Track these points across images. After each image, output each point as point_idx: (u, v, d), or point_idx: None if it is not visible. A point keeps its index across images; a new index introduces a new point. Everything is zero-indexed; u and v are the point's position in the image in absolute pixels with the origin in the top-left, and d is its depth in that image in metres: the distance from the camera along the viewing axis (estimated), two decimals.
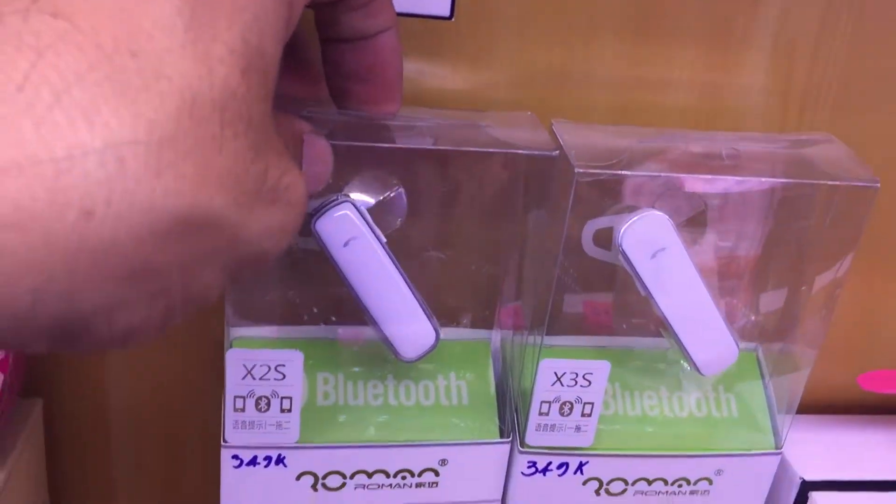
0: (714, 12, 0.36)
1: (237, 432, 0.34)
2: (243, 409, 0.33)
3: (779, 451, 0.38)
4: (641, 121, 0.37)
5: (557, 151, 0.31)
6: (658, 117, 0.37)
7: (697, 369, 0.35)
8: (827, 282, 0.36)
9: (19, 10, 0.17)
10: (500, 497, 0.37)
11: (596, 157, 0.31)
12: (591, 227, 0.33)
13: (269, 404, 0.33)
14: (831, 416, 0.44)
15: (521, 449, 0.36)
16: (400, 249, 0.33)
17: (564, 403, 0.35)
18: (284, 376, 0.33)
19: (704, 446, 0.37)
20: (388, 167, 0.33)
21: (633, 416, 0.37)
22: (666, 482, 0.37)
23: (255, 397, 0.33)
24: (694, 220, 0.34)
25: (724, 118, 0.37)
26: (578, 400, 0.35)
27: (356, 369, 0.36)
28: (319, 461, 0.35)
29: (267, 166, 0.20)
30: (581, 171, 0.30)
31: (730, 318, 0.36)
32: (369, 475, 0.36)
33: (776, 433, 0.38)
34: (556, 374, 0.34)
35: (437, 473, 0.36)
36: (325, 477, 0.35)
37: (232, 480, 0.35)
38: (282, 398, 0.33)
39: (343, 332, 0.36)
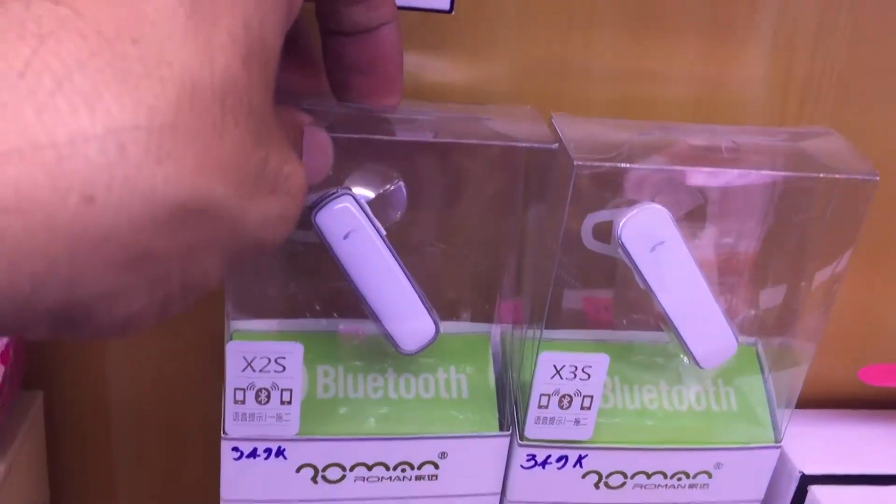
0: (714, 5, 0.36)
1: (237, 424, 0.34)
2: (243, 402, 0.34)
3: (778, 444, 0.38)
4: (641, 114, 0.37)
5: (557, 144, 0.31)
6: (658, 110, 0.37)
7: (696, 362, 0.35)
8: (826, 277, 0.36)
9: None
10: (499, 490, 0.37)
11: (595, 149, 0.31)
12: (591, 220, 0.34)
13: (269, 396, 0.34)
14: (831, 411, 0.44)
15: (520, 442, 0.36)
16: (400, 242, 0.33)
17: (563, 396, 0.35)
18: (284, 368, 0.33)
19: (704, 440, 0.37)
20: (388, 160, 0.33)
21: (632, 410, 0.37)
22: (665, 475, 0.37)
23: (255, 389, 0.33)
24: (693, 213, 0.34)
25: (724, 111, 0.37)
26: (578, 393, 0.35)
27: (356, 362, 0.36)
28: (319, 453, 0.35)
29: (267, 155, 0.21)
30: (580, 163, 0.31)
31: (729, 314, 0.36)
32: (369, 468, 0.36)
33: (775, 427, 0.38)
34: (555, 366, 0.34)
35: (436, 466, 0.36)
36: (324, 469, 0.35)
37: (232, 472, 0.35)
38: (282, 390, 0.33)
39: (344, 326, 0.36)
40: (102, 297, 0.18)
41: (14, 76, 0.16)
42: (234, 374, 0.33)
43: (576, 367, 0.34)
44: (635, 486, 0.37)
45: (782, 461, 0.39)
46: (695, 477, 0.38)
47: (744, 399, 0.38)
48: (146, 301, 0.19)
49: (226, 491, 0.35)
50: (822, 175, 0.33)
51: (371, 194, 0.33)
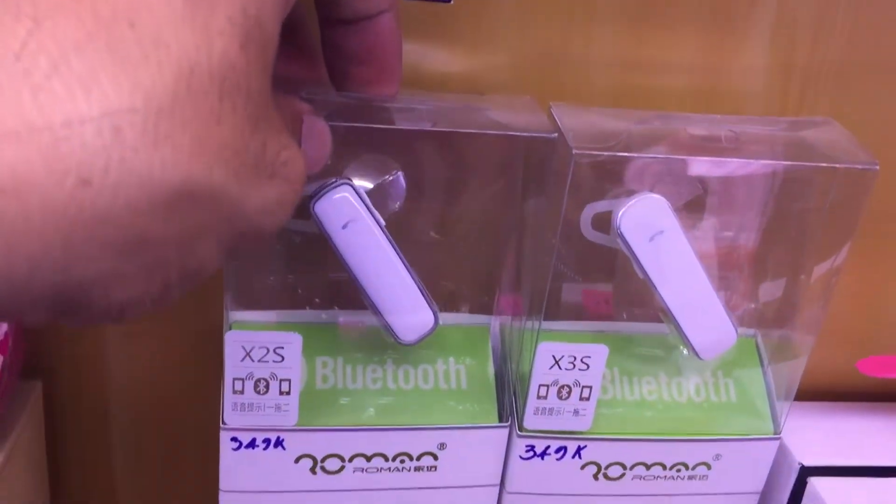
0: None
1: (236, 414, 0.34)
2: (242, 392, 0.34)
3: (777, 436, 0.38)
4: (641, 104, 0.37)
5: (556, 134, 0.31)
6: (657, 101, 0.37)
7: (695, 353, 0.35)
8: (825, 270, 0.36)
9: None
10: (498, 481, 0.37)
11: (594, 139, 0.31)
12: (590, 210, 0.33)
13: (267, 387, 0.34)
14: (830, 403, 0.44)
15: (519, 433, 0.36)
16: (399, 233, 0.33)
17: (562, 387, 0.35)
18: (283, 358, 0.33)
19: (703, 431, 0.37)
20: (387, 150, 0.33)
21: (631, 401, 0.37)
22: (664, 467, 0.37)
23: (254, 379, 0.33)
24: (692, 203, 0.34)
25: (723, 101, 0.37)
26: (576, 383, 0.35)
27: (355, 354, 0.36)
28: (318, 444, 0.35)
29: (265, 140, 0.21)
30: (579, 152, 0.30)
31: (729, 308, 0.36)
32: (368, 458, 0.36)
33: (775, 419, 0.38)
34: (553, 357, 0.34)
35: (435, 457, 0.36)
36: (323, 460, 0.35)
37: (231, 463, 0.35)
38: (280, 380, 0.33)
39: (344, 319, 0.36)
40: (99, 282, 0.18)
41: (10, 58, 0.16)
42: (233, 364, 0.33)
43: (575, 358, 0.34)
44: (634, 477, 0.37)
45: (782, 453, 0.39)
46: (694, 468, 0.38)
47: (743, 391, 0.38)
48: (143, 286, 0.19)
49: (224, 481, 0.35)
50: (822, 164, 0.33)
51: (370, 184, 0.33)
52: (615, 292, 0.38)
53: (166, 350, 0.42)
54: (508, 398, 0.36)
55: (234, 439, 0.34)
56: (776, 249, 0.37)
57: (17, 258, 0.16)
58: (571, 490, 0.37)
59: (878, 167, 0.32)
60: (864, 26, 0.37)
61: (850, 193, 0.33)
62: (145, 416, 0.44)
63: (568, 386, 0.35)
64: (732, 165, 0.34)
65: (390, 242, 0.33)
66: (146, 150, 0.17)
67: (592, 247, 0.34)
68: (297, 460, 0.35)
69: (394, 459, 0.36)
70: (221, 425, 0.34)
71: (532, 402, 0.35)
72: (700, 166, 0.33)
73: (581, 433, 0.36)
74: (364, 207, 0.32)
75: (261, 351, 0.33)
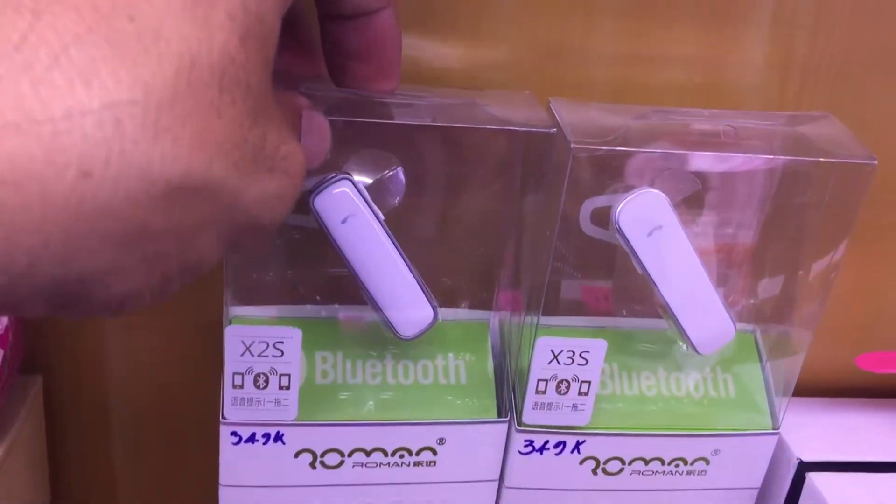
0: None
1: (236, 409, 0.34)
2: (242, 386, 0.34)
3: (776, 431, 0.38)
4: (640, 99, 0.37)
5: (555, 129, 0.31)
6: (656, 95, 0.37)
7: (694, 348, 0.35)
8: (824, 266, 0.36)
9: None
10: (497, 476, 0.38)
11: (593, 134, 0.31)
12: (589, 205, 0.34)
13: (267, 381, 0.34)
14: (829, 399, 0.44)
15: (518, 428, 0.36)
16: (398, 228, 0.33)
17: (561, 382, 0.35)
18: (283, 353, 0.33)
19: (702, 426, 0.37)
20: (387, 145, 0.33)
21: (630, 396, 0.37)
22: (663, 462, 0.37)
23: (254, 374, 0.33)
24: (691, 199, 0.34)
25: (722, 95, 0.37)
26: (575, 378, 0.35)
27: (355, 349, 0.36)
28: (318, 439, 0.35)
29: (265, 134, 0.21)
30: (577, 146, 0.31)
31: (728, 305, 0.36)
32: (367, 453, 0.36)
33: (773, 414, 0.38)
34: (552, 351, 0.34)
35: (434, 452, 0.36)
36: (323, 455, 0.35)
37: (231, 457, 0.35)
38: (280, 375, 0.34)
39: (344, 314, 0.36)
40: (99, 274, 0.18)
41: (10, 50, 0.16)
42: (233, 359, 0.33)
43: (573, 353, 0.34)
44: (633, 472, 0.37)
45: (780, 448, 0.39)
46: (692, 463, 0.38)
47: (742, 386, 0.38)
48: (143, 279, 0.19)
49: (224, 476, 0.35)
50: (820, 160, 0.33)
51: (369, 179, 0.33)
52: (615, 289, 0.38)
53: (166, 345, 0.42)
54: (507, 393, 0.36)
55: (233, 434, 0.34)
56: (775, 245, 0.37)
57: (17, 250, 0.17)
58: (570, 485, 0.37)
59: (876, 162, 0.32)
60: (862, 21, 0.37)
61: (849, 188, 0.34)
62: (145, 410, 0.44)
63: (567, 381, 0.35)
64: (731, 161, 0.34)
65: (390, 237, 0.33)
66: (146, 142, 0.17)
67: (592, 242, 0.34)
68: (296, 455, 0.35)
69: (393, 454, 0.36)
70: (221, 420, 0.34)
71: (531, 397, 0.35)
72: (699, 161, 0.34)
73: (580, 428, 0.36)
74: (363, 202, 0.32)
75: (260, 346, 0.33)
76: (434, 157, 0.34)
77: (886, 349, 0.43)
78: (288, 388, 0.34)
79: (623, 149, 0.31)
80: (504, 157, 0.34)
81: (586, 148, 0.31)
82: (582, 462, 0.37)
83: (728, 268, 0.37)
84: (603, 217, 0.34)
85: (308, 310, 0.36)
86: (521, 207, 0.34)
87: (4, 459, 0.37)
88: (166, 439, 0.45)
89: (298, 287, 0.36)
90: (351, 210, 0.32)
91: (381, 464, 0.36)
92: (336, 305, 0.36)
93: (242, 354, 0.33)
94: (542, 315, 0.34)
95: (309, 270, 0.36)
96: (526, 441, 0.36)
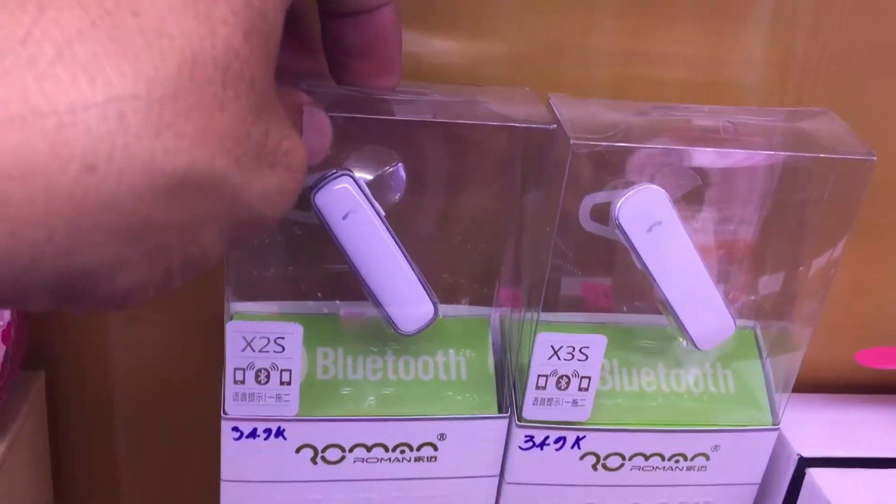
0: None
1: (237, 404, 0.34)
2: (243, 382, 0.34)
3: (776, 427, 0.38)
4: (640, 95, 0.37)
5: (555, 125, 0.31)
6: (656, 92, 0.37)
7: (693, 343, 0.36)
8: (824, 262, 0.36)
9: None
10: (498, 472, 0.38)
11: (593, 130, 0.31)
12: (589, 201, 0.34)
13: (268, 377, 0.34)
14: (829, 395, 0.44)
15: (518, 423, 0.36)
16: (399, 224, 0.33)
17: (561, 377, 0.35)
18: (284, 349, 0.33)
19: (702, 422, 0.37)
20: (387, 141, 0.33)
21: (630, 392, 0.37)
22: (663, 457, 0.37)
23: (255, 369, 0.34)
24: (691, 195, 0.34)
25: (722, 92, 0.37)
26: (575, 374, 0.35)
27: (356, 344, 0.36)
28: (319, 434, 0.35)
29: (268, 129, 0.21)
30: (577, 142, 0.31)
31: (728, 300, 0.36)
32: (368, 449, 0.36)
33: (773, 410, 0.38)
34: (552, 347, 0.34)
35: (435, 448, 0.36)
36: (324, 450, 0.36)
37: (232, 452, 0.35)
38: (281, 371, 0.34)
39: (345, 311, 0.36)
40: (103, 268, 0.18)
41: (15, 44, 0.16)
42: (234, 354, 0.33)
43: (573, 348, 0.34)
44: (633, 467, 0.37)
45: (780, 444, 0.39)
46: (692, 459, 0.38)
47: (742, 382, 0.38)
48: (147, 273, 0.19)
49: (226, 471, 0.36)
50: (820, 155, 0.33)
51: (370, 175, 0.33)
52: (615, 285, 0.38)
53: (168, 340, 0.42)
54: (508, 389, 0.37)
55: (235, 429, 0.35)
56: (775, 242, 0.37)
57: (22, 243, 0.17)
58: (570, 480, 0.38)
59: (875, 158, 0.32)
60: (862, 19, 0.37)
61: (848, 184, 0.34)
62: (147, 406, 0.44)
63: (567, 376, 0.35)
64: (731, 157, 0.34)
65: (390, 233, 0.33)
66: (149, 137, 0.17)
67: (592, 239, 0.34)
68: (297, 450, 0.35)
69: (394, 450, 0.36)
70: (223, 415, 0.34)
71: (531, 393, 0.35)
72: (699, 157, 0.34)
73: (580, 423, 0.36)
74: (364, 198, 0.32)
75: (262, 341, 0.33)
76: (434, 154, 0.34)
77: (886, 345, 0.43)
78: (289, 383, 0.34)
79: (623, 145, 0.32)
80: (504, 154, 0.34)
81: (586, 144, 0.31)
82: (582, 457, 0.37)
83: (729, 264, 0.37)
84: (603, 213, 0.34)
85: (309, 306, 0.36)
86: (521, 204, 0.34)
87: (7, 455, 0.37)
88: (168, 434, 0.45)
89: (299, 283, 0.36)
90: (352, 206, 0.32)
91: (381, 459, 0.36)
92: (337, 301, 0.36)
93: (244, 350, 0.33)
94: (543, 311, 0.34)
95: (310, 266, 0.36)
96: (526, 436, 0.36)
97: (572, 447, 0.37)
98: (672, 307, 0.35)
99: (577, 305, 0.37)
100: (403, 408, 0.36)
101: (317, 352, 0.36)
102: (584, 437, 0.37)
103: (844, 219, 0.35)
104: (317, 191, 0.32)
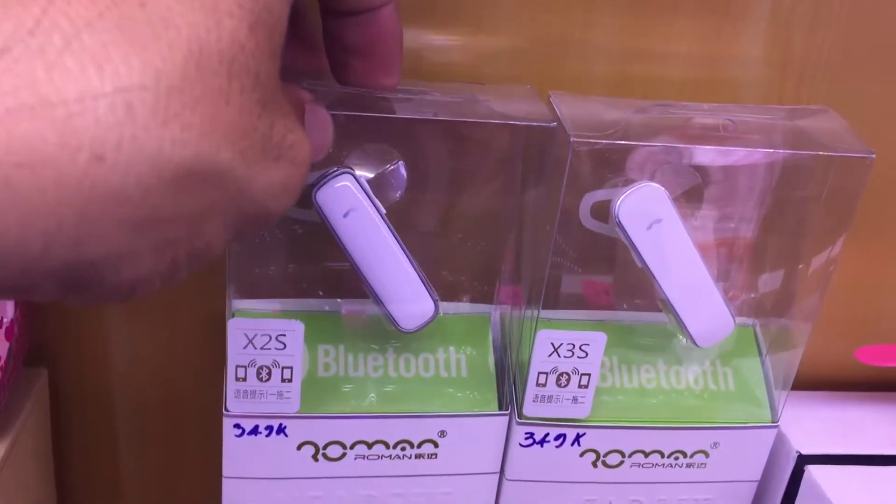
0: None
1: (239, 401, 0.34)
2: (245, 379, 0.34)
3: (775, 424, 0.38)
4: (640, 93, 0.37)
5: (555, 123, 0.32)
6: (657, 90, 0.37)
7: (693, 341, 0.36)
8: (823, 260, 0.36)
9: None
10: (498, 469, 0.38)
11: (593, 128, 0.31)
12: (590, 199, 0.34)
13: (270, 374, 0.34)
14: (829, 392, 0.44)
15: (518, 420, 0.36)
16: (399, 222, 0.33)
17: (561, 374, 0.35)
18: (285, 346, 0.33)
19: (701, 419, 0.37)
20: (388, 139, 0.33)
21: (630, 389, 0.38)
22: (662, 455, 0.38)
23: (257, 367, 0.34)
24: (691, 193, 0.35)
25: (722, 90, 0.38)
26: (575, 371, 0.35)
27: (357, 342, 0.37)
28: (320, 431, 0.35)
29: (272, 123, 0.21)
30: (577, 140, 0.31)
31: (728, 298, 0.36)
32: (369, 446, 0.36)
33: (773, 407, 0.38)
34: (552, 344, 0.35)
35: (436, 445, 0.36)
36: (325, 447, 0.36)
37: (233, 449, 0.35)
38: (283, 368, 0.34)
39: (347, 308, 0.37)
40: (111, 259, 0.18)
41: (24, 34, 0.16)
42: (236, 351, 0.33)
43: (573, 345, 0.35)
44: (633, 464, 0.38)
45: (780, 441, 0.39)
46: (692, 456, 0.38)
47: (742, 380, 0.39)
48: (153, 265, 0.20)
49: (227, 468, 0.36)
50: (819, 153, 0.33)
51: (371, 173, 0.33)
52: (615, 283, 0.38)
53: (170, 337, 0.42)
54: (508, 386, 0.37)
55: (236, 426, 0.35)
56: (774, 240, 0.37)
57: (32, 232, 0.17)
58: (570, 477, 0.38)
59: (874, 156, 0.33)
60: (860, 16, 0.37)
61: (847, 182, 0.34)
62: (149, 402, 0.44)
63: (567, 373, 0.35)
64: (731, 154, 0.34)
65: (391, 231, 0.33)
66: (157, 127, 0.17)
67: (592, 237, 0.34)
68: (299, 447, 0.36)
69: (395, 447, 0.36)
70: (224, 412, 0.35)
71: (531, 390, 0.35)
72: (698, 155, 0.34)
73: (580, 420, 0.36)
74: (365, 196, 0.32)
75: (263, 338, 0.33)
76: (435, 152, 0.34)
77: (885, 342, 0.43)
78: (290, 380, 0.34)
79: (622, 142, 0.32)
80: (505, 152, 0.34)
81: (586, 142, 0.31)
82: (582, 454, 0.37)
83: (728, 262, 0.37)
84: (603, 211, 0.34)
85: (310, 303, 0.36)
86: (521, 202, 0.35)
87: (10, 452, 0.37)
88: (170, 431, 0.45)
89: (301, 280, 0.36)
90: (353, 204, 0.32)
91: (382, 456, 0.36)
92: (338, 299, 0.37)
93: (245, 347, 0.33)
94: (543, 308, 0.35)
95: (311, 264, 0.36)
96: (526, 434, 0.36)
97: (572, 444, 0.37)
98: (672, 305, 0.35)
99: (578, 303, 0.37)
100: (404, 405, 0.36)
101: (318, 349, 0.36)
102: (584, 434, 0.37)
103: (843, 216, 0.35)
104: (318, 188, 0.32)
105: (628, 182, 0.33)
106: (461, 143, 0.34)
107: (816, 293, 0.37)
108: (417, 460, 0.37)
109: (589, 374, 0.35)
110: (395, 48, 0.29)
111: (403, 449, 0.36)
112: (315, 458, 0.36)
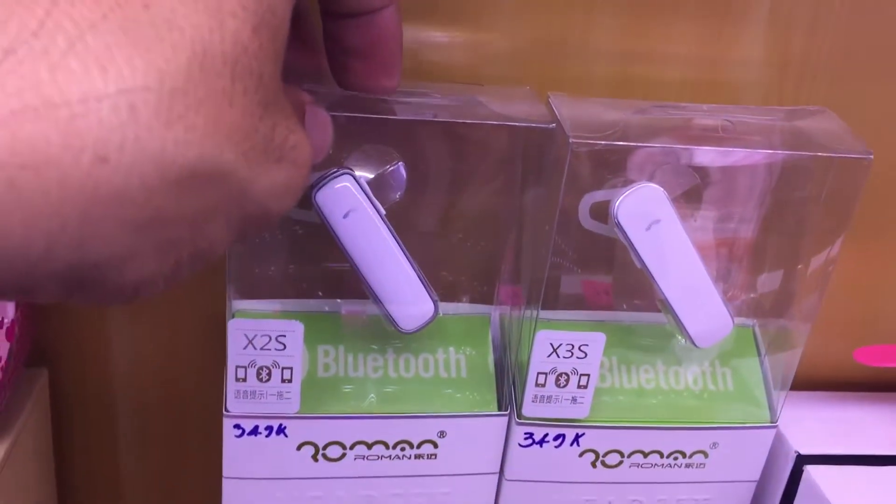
0: None
1: (239, 402, 0.34)
2: (245, 379, 0.34)
3: (774, 424, 0.38)
4: (639, 94, 0.37)
5: (554, 124, 0.32)
6: (656, 90, 0.37)
7: (692, 341, 0.36)
8: (822, 260, 0.36)
9: None
10: (497, 469, 0.38)
11: (592, 128, 0.31)
12: (588, 200, 0.34)
13: (269, 374, 0.34)
14: (828, 393, 0.44)
15: (518, 420, 0.36)
16: (399, 223, 0.33)
17: (560, 375, 0.35)
18: (285, 346, 0.33)
19: (700, 419, 0.38)
20: (388, 140, 0.33)
21: (629, 389, 0.38)
22: (662, 455, 0.38)
23: (257, 367, 0.34)
24: (690, 193, 0.35)
25: (721, 92, 0.38)
26: (574, 371, 0.35)
27: (356, 342, 0.37)
28: (320, 431, 0.35)
29: (275, 125, 0.21)
30: (576, 141, 0.31)
31: (727, 298, 0.36)
32: (369, 446, 0.36)
33: (772, 408, 0.38)
34: (552, 345, 0.35)
35: (435, 445, 0.36)
36: (325, 447, 0.36)
37: (234, 449, 0.35)
38: (282, 368, 0.34)
39: (346, 309, 0.37)
40: (114, 260, 0.18)
41: (28, 36, 0.16)
42: (236, 352, 0.33)
43: (573, 346, 0.35)
44: (632, 464, 0.38)
45: (779, 441, 0.40)
46: (691, 456, 0.38)
47: (741, 380, 0.39)
48: (156, 266, 0.20)
49: (227, 468, 0.36)
50: (818, 154, 0.33)
51: (371, 174, 0.33)
52: (614, 283, 0.38)
53: (171, 338, 0.42)
54: (508, 387, 0.37)
55: (236, 426, 0.35)
56: (773, 241, 0.37)
57: (36, 233, 0.17)
58: (570, 477, 0.38)
59: (872, 157, 0.33)
60: (860, 18, 0.37)
61: (846, 183, 0.34)
62: (150, 403, 0.44)
63: (566, 374, 0.35)
64: (730, 155, 0.34)
65: (391, 232, 0.33)
66: (160, 128, 0.18)
67: (591, 237, 0.34)
68: (299, 447, 0.36)
69: (394, 447, 0.36)
70: (224, 412, 0.35)
71: (530, 390, 0.36)
72: (698, 156, 0.34)
73: (579, 421, 0.36)
74: (365, 197, 0.32)
75: (263, 339, 0.33)
76: (435, 153, 0.34)
77: (884, 343, 0.43)
78: (290, 381, 0.34)
79: (621, 143, 0.32)
80: (504, 153, 0.34)
81: (585, 143, 0.31)
82: (581, 455, 0.37)
83: (727, 262, 0.37)
84: (602, 211, 0.34)
85: (310, 304, 0.36)
86: (521, 202, 0.35)
87: (10, 452, 0.37)
88: (170, 431, 0.45)
89: (300, 281, 0.36)
90: (352, 205, 0.32)
91: (382, 456, 0.36)
92: (338, 300, 0.37)
93: (245, 348, 0.33)
94: (542, 309, 0.35)
95: (311, 265, 0.36)
96: (526, 434, 0.36)
97: (571, 444, 0.37)
98: (671, 305, 0.35)
99: (577, 303, 0.38)
100: (404, 405, 0.36)
101: (318, 349, 0.36)
102: (584, 434, 0.37)
103: (842, 217, 0.35)
104: (318, 189, 0.32)
105: (627, 183, 0.33)
106: (461, 143, 0.34)
107: (815, 293, 0.37)
108: (417, 461, 0.37)
109: (588, 375, 0.35)
110: (396, 50, 0.29)
111: (403, 449, 0.36)
112: (315, 458, 0.36)
